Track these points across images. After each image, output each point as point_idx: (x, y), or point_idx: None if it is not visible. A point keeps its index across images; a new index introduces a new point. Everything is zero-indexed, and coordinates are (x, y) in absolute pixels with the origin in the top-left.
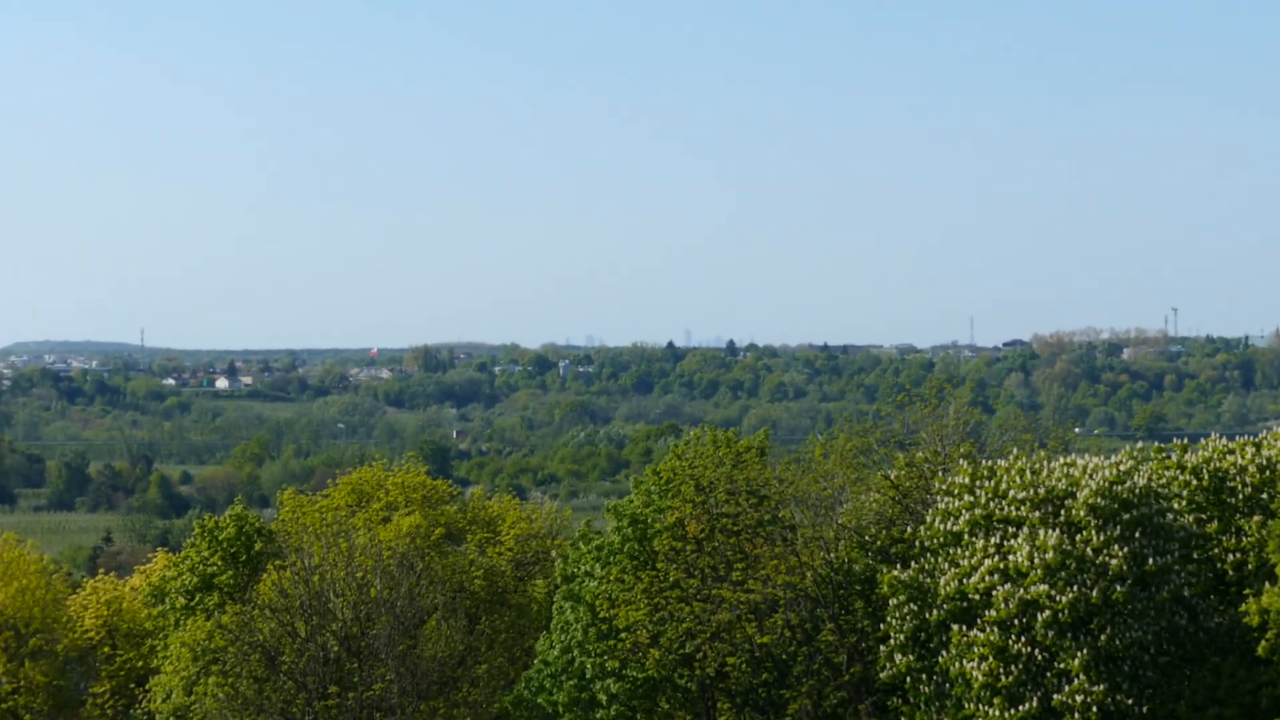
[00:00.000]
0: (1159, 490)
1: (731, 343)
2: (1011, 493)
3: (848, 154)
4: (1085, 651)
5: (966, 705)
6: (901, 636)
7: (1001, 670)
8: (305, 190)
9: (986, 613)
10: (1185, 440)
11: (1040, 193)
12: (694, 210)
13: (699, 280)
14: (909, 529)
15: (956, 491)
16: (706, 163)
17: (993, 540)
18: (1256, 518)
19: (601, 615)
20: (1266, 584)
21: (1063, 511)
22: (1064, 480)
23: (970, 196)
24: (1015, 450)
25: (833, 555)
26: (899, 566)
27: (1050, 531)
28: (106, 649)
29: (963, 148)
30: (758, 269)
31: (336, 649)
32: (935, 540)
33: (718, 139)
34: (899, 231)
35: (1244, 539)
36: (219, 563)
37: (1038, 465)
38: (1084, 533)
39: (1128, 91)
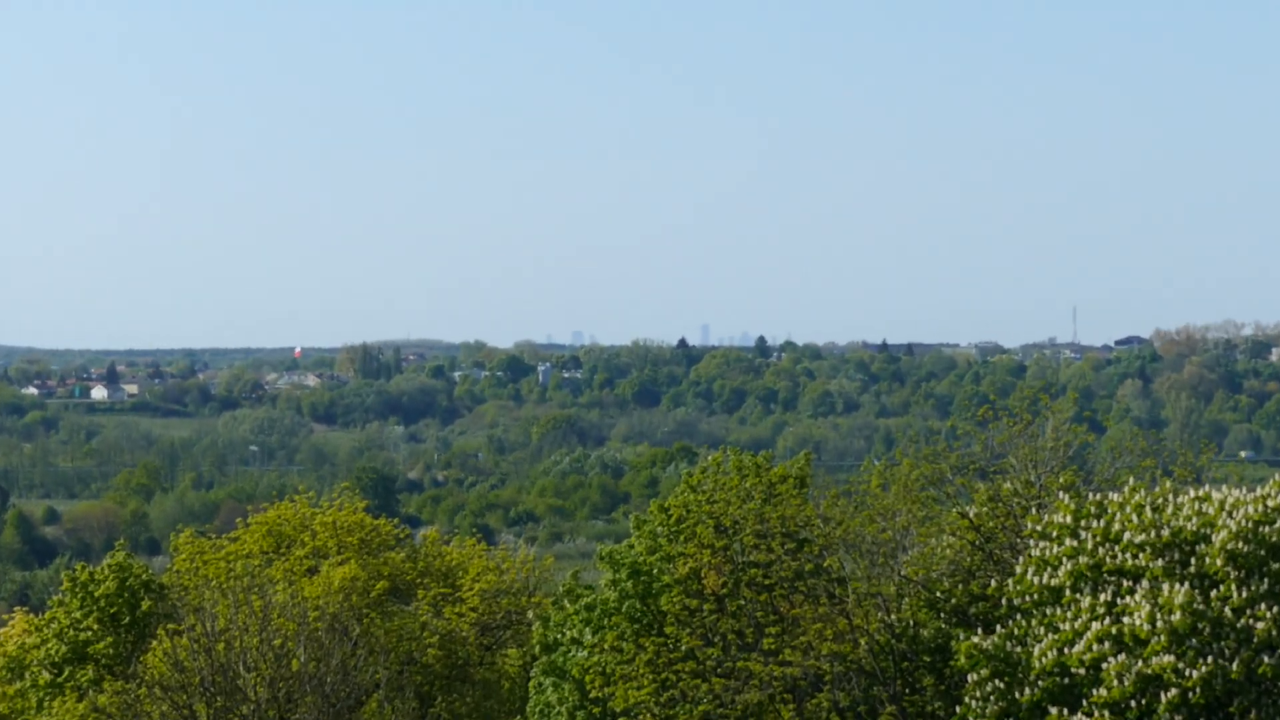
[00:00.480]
0: None
1: (762, 340)
2: (1127, 536)
3: (908, 99)
4: None
5: None
6: None
7: None
8: (210, 151)
9: (1095, 691)
10: None
11: (1166, 151)
12: (712, 171)
13: (719, 260)
14: (993, 582)
15: (1055, 534)
16: (727, 109)
17: (1103, 597)
18: None
19: (594, 695)
20: None
21: (1193, 560)
22: (1195, 520)
23: (1072, 156)
24: (1132, 481)
25: (894, 617)
26: (980, 631)
27: (1177, 586)
28: None
29: (1061, 96)
30: (795, 246)
31: None
32: (1028, 597)
33: (741, 75)
34: (979, 199)
35: None
36: (95, 626)
37: (1161, 500)
38: (1221, 588)
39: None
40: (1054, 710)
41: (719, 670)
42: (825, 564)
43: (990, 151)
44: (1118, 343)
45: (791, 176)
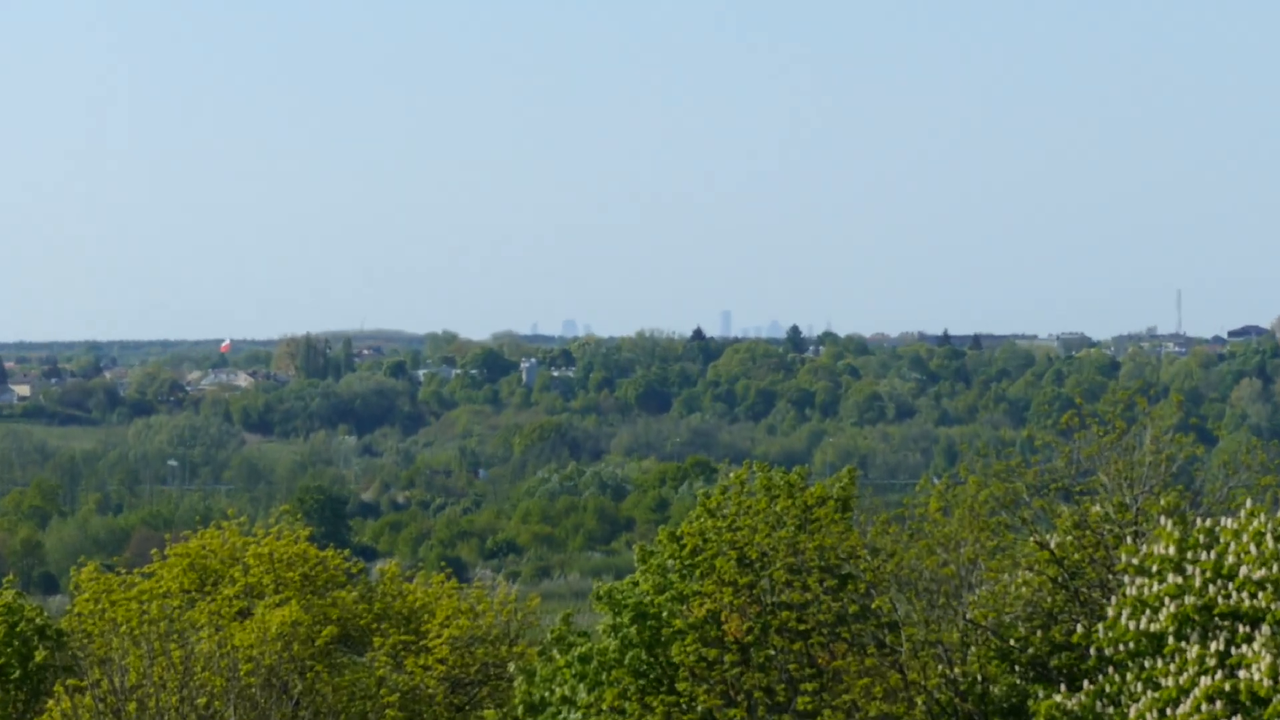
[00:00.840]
0: None
1: (795, 331)
2: (1244, 571)
3: (971, 49)
4: None
5: None
6: None
7: None
8: (122, 110)
9: None
10: None
11: None
12: (735, 126)
13: (743, 234)
14: (1079, 628)
15: (1156, 569)
16: (755, 51)
17: (1214, 646)
18: None
19: None
20: None
21: None
22: None
23: (1174, 113)
24: (1249, 503)
25: (958, 670)
26: (1064, 688)
27: None
28: None
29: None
30: (837, 216)
31: None
32: (1122, 646)
33: (778, 14)
34: (1061, 162)
35: None
36: None
37: None
38: None
39: None
40: None
41: None
42: (874, 605)
43: (1073, 105)
44: (1231, 334)
45: (832, 134)
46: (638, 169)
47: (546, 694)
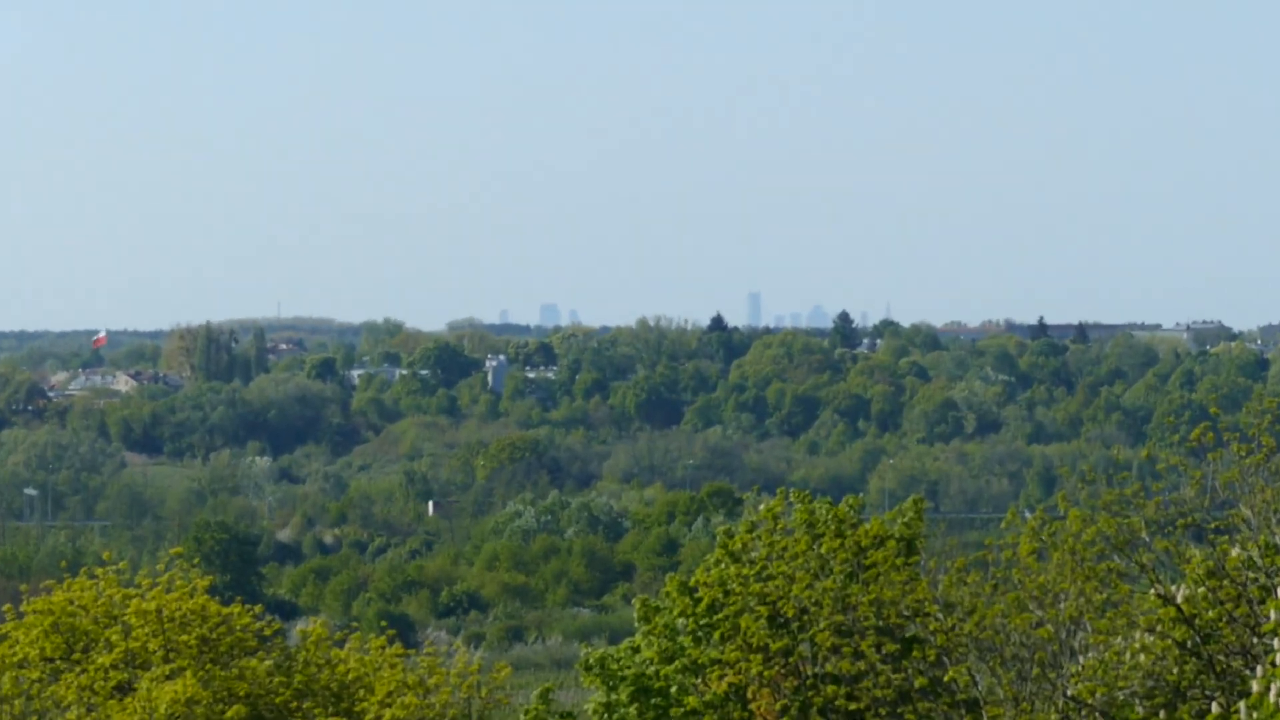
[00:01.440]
0: None
1: (845, 319)
2: None
3: None
4: None
5: None
6: None
7: None
8: None
9: None
10: None
11: None
12: (765, 57)
13: (777, 195)
14: (1214, 706)
15: None
16: None
17: None
18: None
19: None
20: None
21: None
22: None
23: None
24: None
25: None
26: None
27: None
28: None
29: None
30: (896, 174)
31: None
32: None
33: None
34: (1186, 114)
35: None
36: None
37: None
38: None
39: None
40: None
41: None
42: (946, 677)
43: (1201, 52)
44: None
45: (894, 73)
46: (636, 110)
47: None
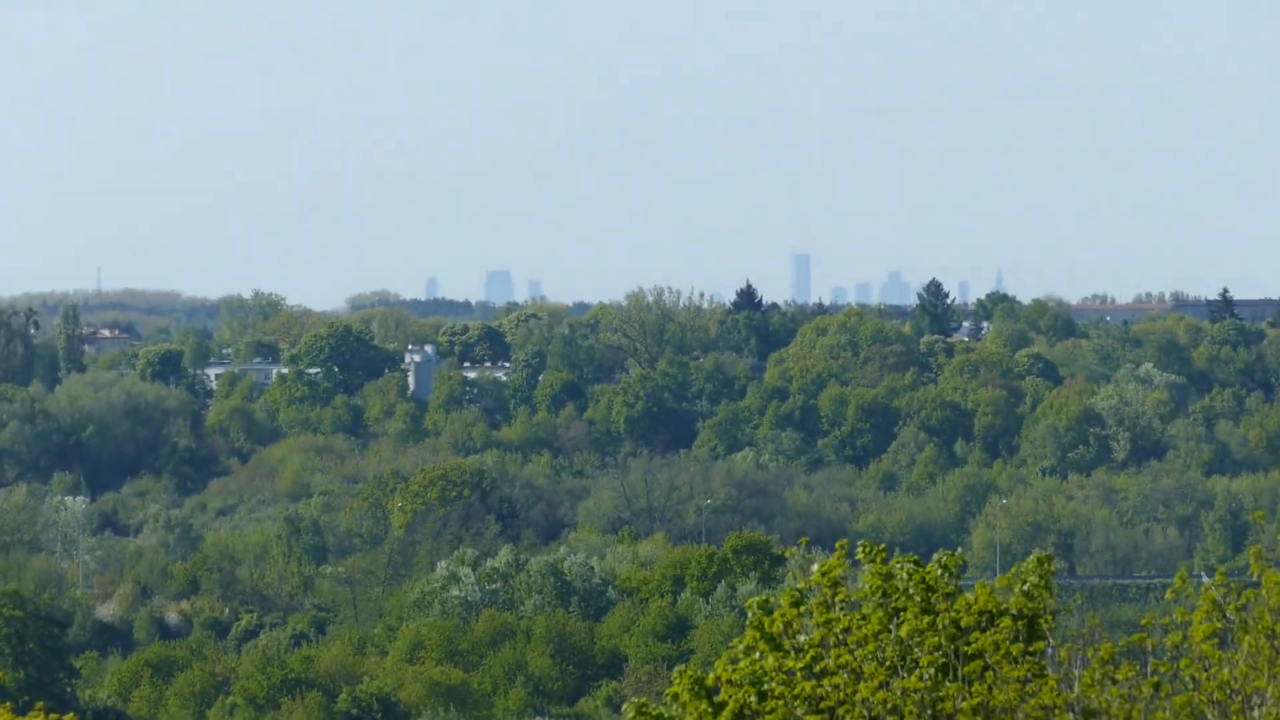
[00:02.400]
0: None
1: (936, 290)
2: None
3: None
4: None
5: None
6: None
7: None
8: None
9: None
10: None
11: None
12: None
13: (832, 124)
14: None
15: None
16: None
17: None
18: None
19: None
20: None
21: None
22: None
23: None
24: None
25: None
26: None
27: None
28: None
29: None
30: (1005, 101)
31: None
32: None
33: None
34: None
35: None
36: None
37: None
38: None
39: None
40: None
41: None
42: None
43: None
44: None
45: None
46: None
47: None
